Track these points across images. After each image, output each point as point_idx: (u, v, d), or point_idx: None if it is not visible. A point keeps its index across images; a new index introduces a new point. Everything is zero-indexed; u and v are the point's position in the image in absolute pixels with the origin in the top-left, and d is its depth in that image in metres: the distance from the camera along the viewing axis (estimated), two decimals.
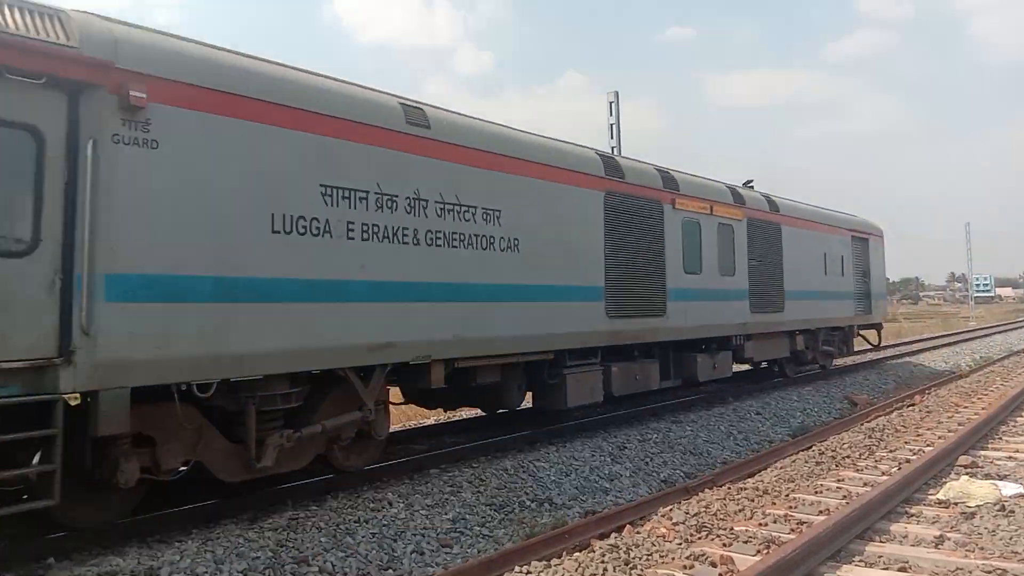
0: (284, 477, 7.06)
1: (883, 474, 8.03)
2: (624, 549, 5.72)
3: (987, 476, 7.83)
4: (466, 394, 9.66)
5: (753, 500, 7.16)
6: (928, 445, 9.52)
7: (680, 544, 5.86)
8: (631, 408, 12.23)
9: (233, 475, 6.40)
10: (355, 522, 6.54)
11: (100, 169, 5.25)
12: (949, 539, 5.85)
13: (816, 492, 7.40)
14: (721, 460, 10.22)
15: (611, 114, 17.91)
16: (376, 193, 7.20)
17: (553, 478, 8.42)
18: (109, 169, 5.30)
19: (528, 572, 5.45)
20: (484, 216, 8.39)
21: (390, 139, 7.40)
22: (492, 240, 8.47)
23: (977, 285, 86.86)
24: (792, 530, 6.08)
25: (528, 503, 7.66)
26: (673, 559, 5.54)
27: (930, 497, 7.10)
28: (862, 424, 11.55)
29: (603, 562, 5.48)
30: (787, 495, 7.32)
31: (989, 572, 5.14)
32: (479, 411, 11.42)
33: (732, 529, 6.17)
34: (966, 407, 12.76)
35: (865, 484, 7.61)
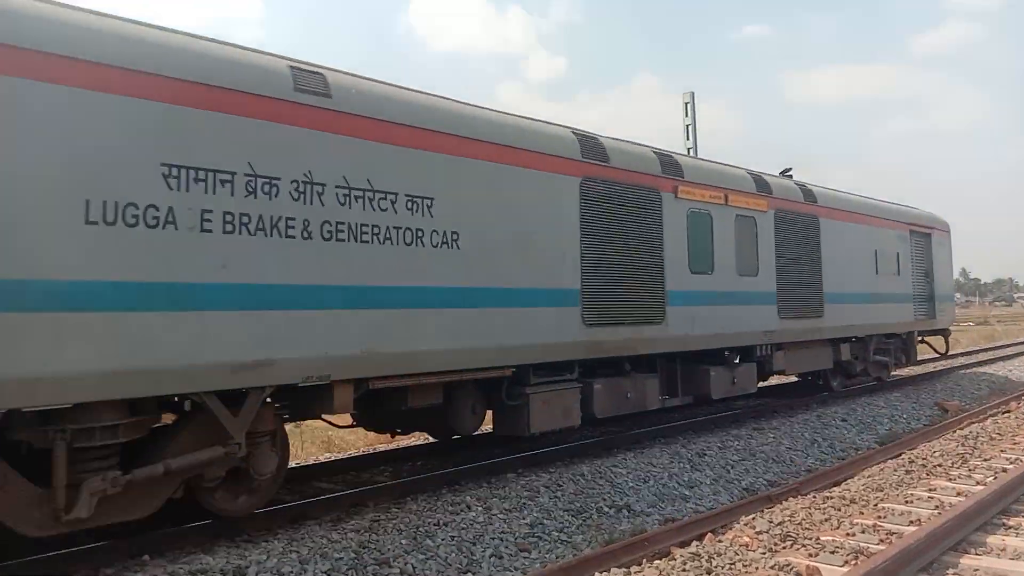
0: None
1: (977, 484, 7.76)
2: (706, 558, 5.64)
3: None
4: (413, 418, 8.21)
5: (840, 509, 6.99)
6: None
7: (764, 553, 5.75)
8: (711, 415, 12.02)
9: (40, 528, 5.08)
10: (434, 525, 6.64)
11: None
12: None
13: (906, 502, 7.22)
14: (805, 468, 9.93)
15: (686, 115, 17.87)
16: (247, 175, 5.81)
17: (631, 484, 8.32)
18: None
19: None
20: (409, 205, 6.92)
21: (270, 109, 6.01)
22: (420, 234, 6.99)
23: None
24: (881, 541, 5.96)
25: (606, 509, 7.59)
26: (757, 569, 5.44)
27: None
28: (954, 431, 11.08)
29: (684, 570, 5.43)
30: (875, 504, 7.14)
31: None
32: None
33: (818, 539, 6.07)
34: None
35: (959, 494, 7.38)
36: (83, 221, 4.97)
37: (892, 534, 6.12)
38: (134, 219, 5.19)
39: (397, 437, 9.78)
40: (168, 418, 6.03)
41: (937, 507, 6.93)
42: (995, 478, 7.78)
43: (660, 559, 5.79)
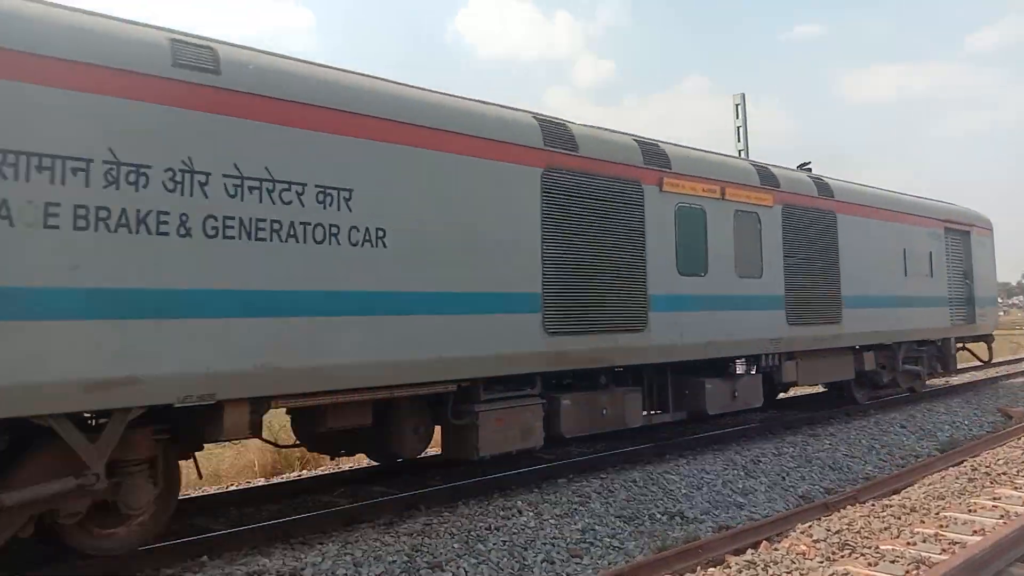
0: None
1: None
2: (761, 566, 5.60)
3: None
4: (354, 439, 7.34)
5: (899, 518, 6.90)
6: None
7: (822, 562, 5.70)
8: (766, 421, 11.87)
9: None
10: (486, 529, 6.62)
11: None
12: None
13: (969, 511, 7.10)
14: (863, 475, 9.67)
15: (737, 116, 17.76)
16: (107, 163, 5.00)
17: (684, 491, 8.20)
18: None
19: None
20: (320, 197, 6.05)
21: (138, 86, 5.20)
22: (335, 231, 6.11)
23: None
24: (943, 551, 5.90)
25: (658, 516, 7.48)
26: None
27: None
28: (1019, 439, 10.88)
29: None
30: (937, 513, 7.05)
31: None
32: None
33: (877, 548, 5.98)
34: None
35: None
36: None
37: (955, 544, 6.05)
38: None
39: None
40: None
41: (1002, 516, 6.81)
42: None
43: (714, 567, 5.74)
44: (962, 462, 9.35)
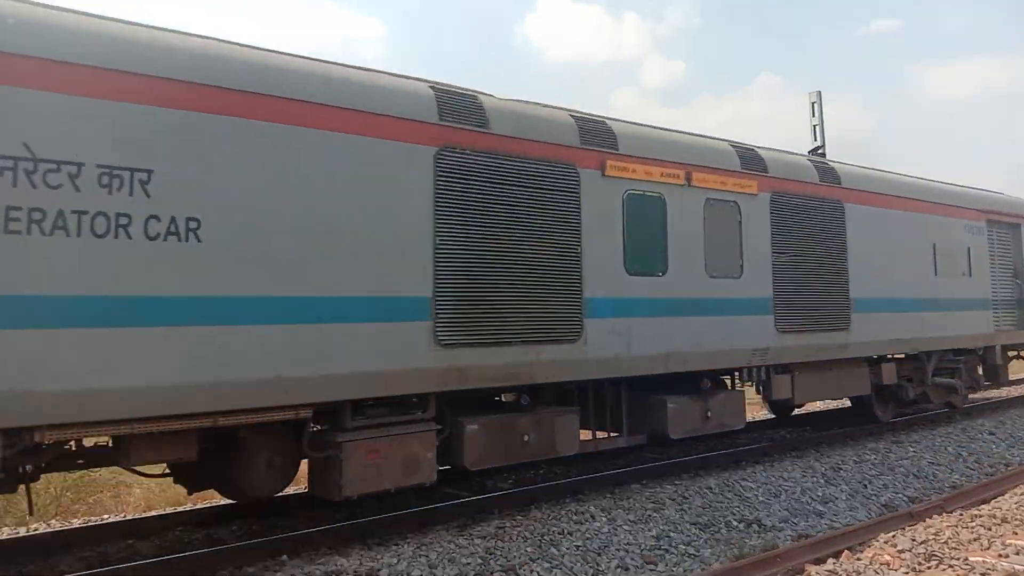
0: None
1: None
2: None
3: None
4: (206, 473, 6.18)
5: (990, 528, 6.68)
6: None
7: (907, 573, 5.59)
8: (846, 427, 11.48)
9: None
10: (559, 533, 6.59)
11: None
12: None
13: None
14: (950, 484, 9.33)
15: (813, 115, 16.95)
16: None
17: (761, 498, 8.04)
18: None
19: None
20: (105, 180, 4.89)
21: None
22: (125, 221, 4.94)
23: None
24: None
25: (735, 523, 7.33)
26: None
27: None
28: None
29: None
30: None
31: None
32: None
33: (967, 559, 5.82)
34: None
35: None
36: None
37: None
38: None
39: None
40: None
41: None
42: None
43: None
44: None
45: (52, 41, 4.81)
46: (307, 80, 5.89)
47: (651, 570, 6.14)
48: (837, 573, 5.55)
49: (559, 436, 7.38)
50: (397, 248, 6.18)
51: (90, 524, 7.26)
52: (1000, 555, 5.91)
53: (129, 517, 7.85)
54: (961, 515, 7.12)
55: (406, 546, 6.13)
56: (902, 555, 5.94)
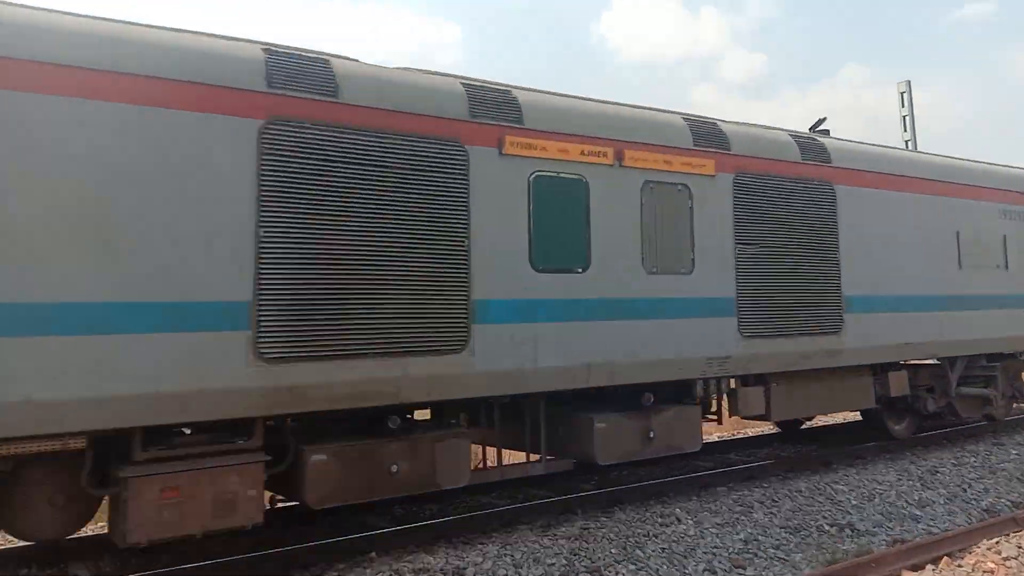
0: None
1: None
2: None
3: None
4: None
5: None
6: None
7: None
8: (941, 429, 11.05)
9: None
10: (644, 536, 6.51)
11: None
12: None
13: None
14: None
15: (903, 105, 17.18)
16: None
17: (854, 502, 7.88)
18: None
19: None
20: None
21: None
22: None
23: None
24: None
25: (827, 527, 7.17)
26: None
27: None
28: None
29: None
30: None
31: None
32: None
33: None
34: None
35: None
36: None
37: None
38: None
39: None
40: None
41: None
42: None
43: None
44: None
45: None
46: (56, 35, 4.83)
47: (740, 574, 6.04)
48: None
49: (441, 465, 6.16)
50: (200, 242, 5.09)
51: None
52: None
53: None
54: None
55: (491, 545, 6.14)
56: (1007, 563, 5.77)
